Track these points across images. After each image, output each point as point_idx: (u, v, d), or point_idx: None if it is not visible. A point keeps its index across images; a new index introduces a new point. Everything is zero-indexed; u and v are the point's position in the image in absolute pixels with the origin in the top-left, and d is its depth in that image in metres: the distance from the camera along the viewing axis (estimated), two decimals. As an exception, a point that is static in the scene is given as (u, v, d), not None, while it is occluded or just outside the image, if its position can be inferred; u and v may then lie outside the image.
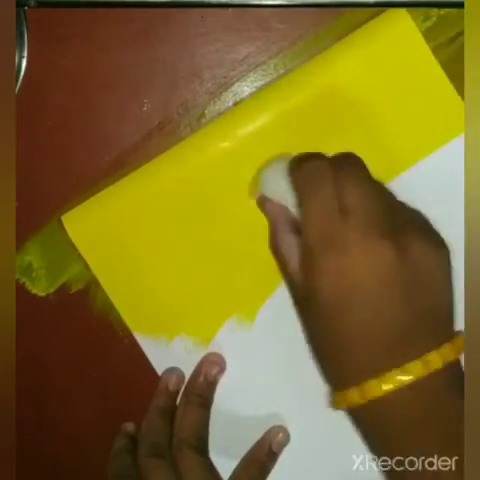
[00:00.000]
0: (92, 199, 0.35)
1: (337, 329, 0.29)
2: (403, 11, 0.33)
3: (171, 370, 0.37)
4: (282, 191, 0.32)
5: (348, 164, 0.30)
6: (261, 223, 0.35)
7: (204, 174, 0.35)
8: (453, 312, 0.30)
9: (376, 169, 0.31)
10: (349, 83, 0.34)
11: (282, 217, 0.32)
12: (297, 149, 0.33)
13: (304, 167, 0.31)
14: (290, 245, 0.31)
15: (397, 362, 0.28)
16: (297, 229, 0.31)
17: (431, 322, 0.29)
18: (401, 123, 0.35)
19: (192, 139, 0.35)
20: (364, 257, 0.28)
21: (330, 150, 0.31)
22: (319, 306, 0.29)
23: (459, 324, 0.29)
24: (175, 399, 0.37)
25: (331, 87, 0.34)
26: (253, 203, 0.35)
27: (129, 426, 0.37)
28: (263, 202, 0.34)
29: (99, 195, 0.35)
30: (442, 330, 0.29)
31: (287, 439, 0.36)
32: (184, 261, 0.36)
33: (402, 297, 0.28)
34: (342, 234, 0.28)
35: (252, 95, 0.35)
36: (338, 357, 0.30)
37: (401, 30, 0.33)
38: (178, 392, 0.37)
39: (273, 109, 0.34)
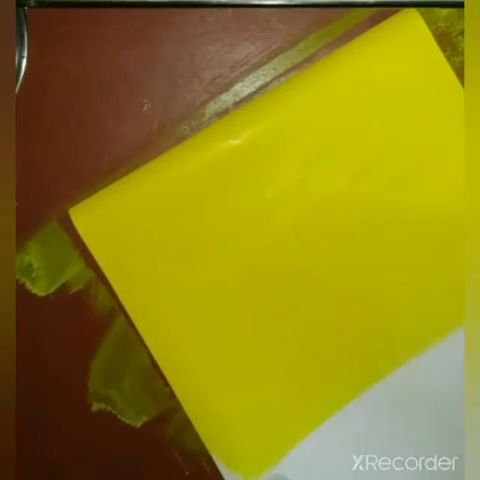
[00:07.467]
0: (101, 192, 0.35)
1: None
2: (415, 12, 0.33)
3: None
4: None
5: None
6: (264, 224, 0.35)
7: (213, 171, 0.34)
8: None
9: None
10: (354, 84, 0.34)
11: None
12: (304, 150, 0.33)
13: None
14: None
15: None
16: None
17: None
18: (409, 125, 0.34)
19: (202, 135, 0.35)
20: None
21: (338, 150, 0.31)
22: None
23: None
24: None
25: (338, 89, 0.34)
26: (260, 202, 0.35)
27: None
28: None
29: (108, 188, 0.35)
30: None
31: None
32: (191, 259, 0.35)
33: None
34: None
35: (259, 95, 0.35)
36: None
37: (412, 33, 0.33)
38: None
39: (280, 110, 0.34)
